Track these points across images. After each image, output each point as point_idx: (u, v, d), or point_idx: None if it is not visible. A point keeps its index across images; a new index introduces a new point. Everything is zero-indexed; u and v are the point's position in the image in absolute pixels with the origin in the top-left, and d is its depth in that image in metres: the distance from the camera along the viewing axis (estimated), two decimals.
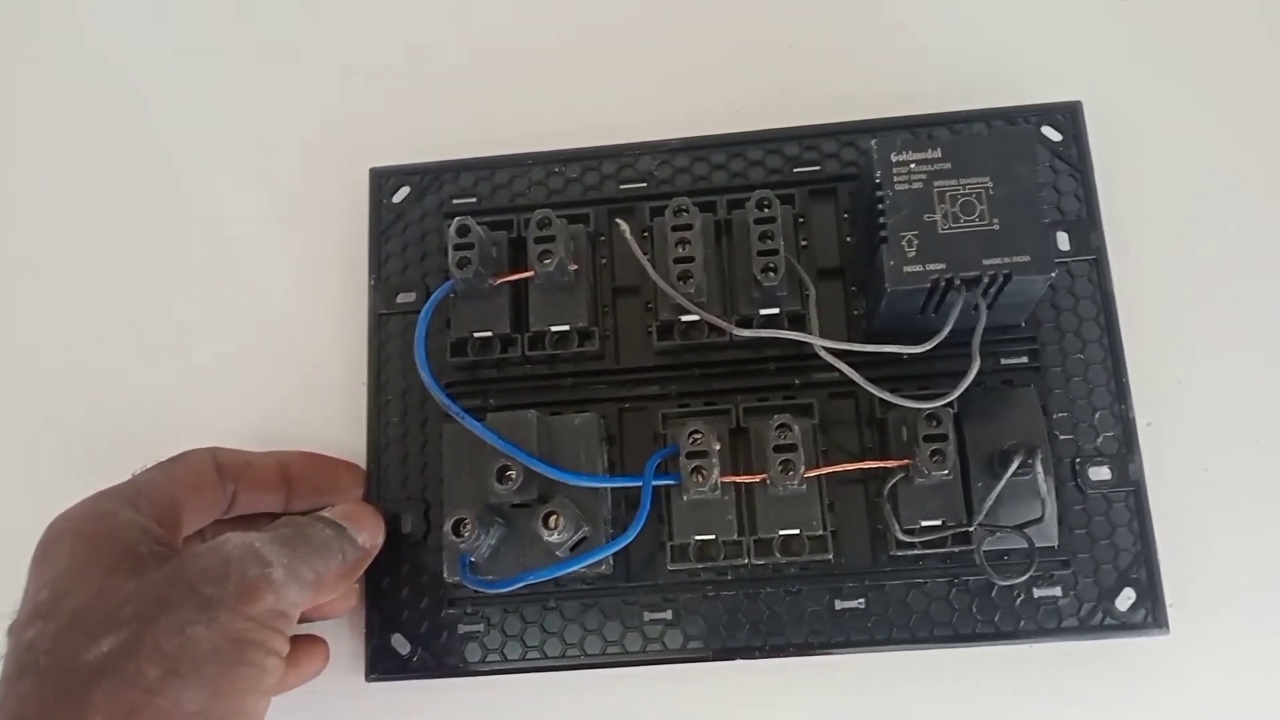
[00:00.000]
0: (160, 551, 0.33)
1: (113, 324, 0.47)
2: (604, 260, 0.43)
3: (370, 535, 0.38)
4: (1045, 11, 0.46)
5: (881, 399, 0.36)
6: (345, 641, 0.42)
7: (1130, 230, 0.43)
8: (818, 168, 0.43)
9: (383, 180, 0.45)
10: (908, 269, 0.36)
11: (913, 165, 0.37)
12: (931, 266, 0.36)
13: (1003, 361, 0.41)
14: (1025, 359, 0.41)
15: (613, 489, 0.40)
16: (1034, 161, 0.36)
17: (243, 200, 0.48)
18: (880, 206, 0.36)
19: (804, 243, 0.42)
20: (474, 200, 0.45)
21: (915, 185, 0.36)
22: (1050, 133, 0.43)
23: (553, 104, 0.47)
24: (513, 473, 0.37)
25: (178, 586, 0.31)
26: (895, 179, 0.37)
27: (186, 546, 0.35)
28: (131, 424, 0.45)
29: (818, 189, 0.43)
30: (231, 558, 0.32)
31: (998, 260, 0.35)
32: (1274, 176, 0.44)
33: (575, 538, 0.38)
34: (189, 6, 0.51)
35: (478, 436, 0.37)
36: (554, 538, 0.36)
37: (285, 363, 0.45)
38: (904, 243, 0.36)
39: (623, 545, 0.37)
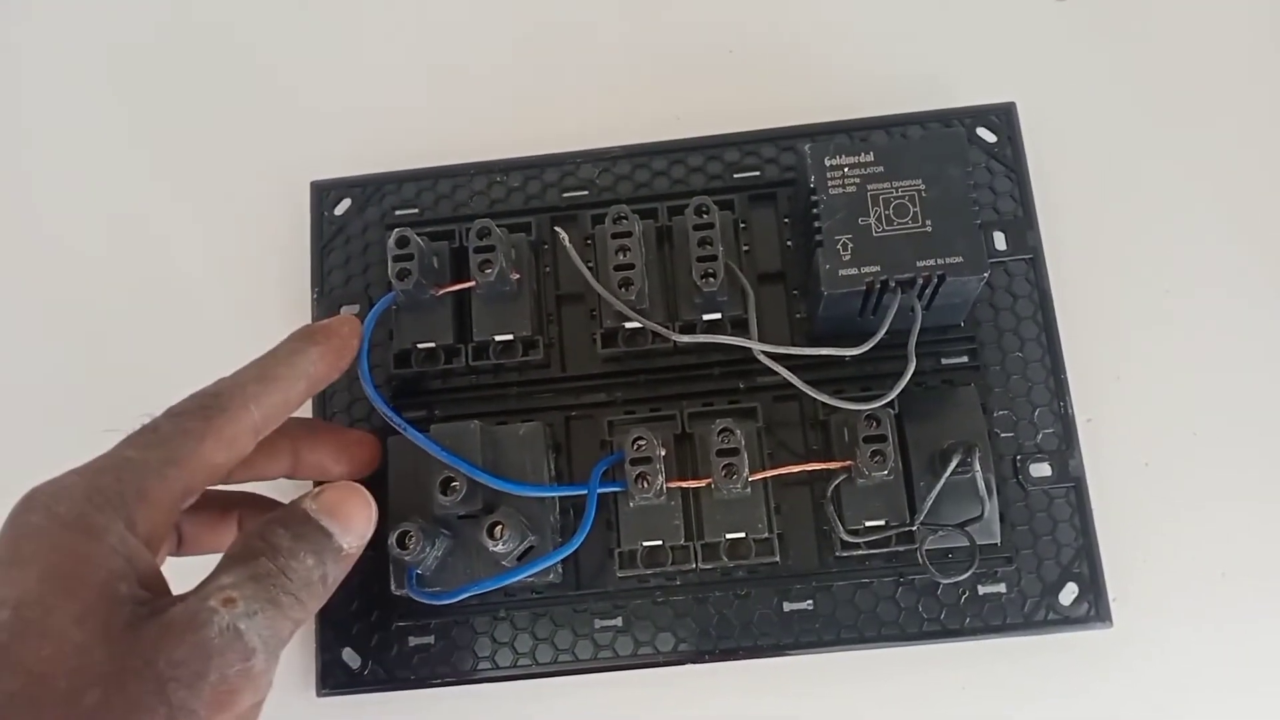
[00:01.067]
0: (137, 597, 0.28)
1: (52, 339, 0.46)
2: (547, 269, 0.43)
3: (358, 535, 0.32)
4: (979, 15, 0.47)
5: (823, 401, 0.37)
6: (295, 656, 0.41)
7: (1066, 229, 0.43)
8: (757, 173, 0.44)
9: (324, 193, 0.45)
10: (843, 272, 0.36)
11: (846, 169, 0.37)
12: (866, 269, 0.36)
13: (943, 361, 0.41)
14: (965, 358, 0.41)
15: (560, 497, 0.40)
16: (965, 164, 0.37)
17: (184, 217, 0.47)
18: (815, 211, 0.37)
19: (745, 248, 0.42)
20: (416, 211, 0.45)
21: (849, 189, 0.37)
22: (985, 134, 0.43)
23: (494, 114, 0.47)
24: (456, 484, 0.37)
25: (146, 680, 0.26)
26: (829, 183, 0.37)
27: (161, 600, 0.28)
28: (76, 444, 0.45)
29: (758, 194, 0.43)
30: (212, 649, 0.27)
31: (931, 262, 0.36)
32: (1206, 171, 0.44)
33: (521, 547, 0.38)
34: (125, 22, 0.50)
35: (422, 448, 0.37)
36: (499, 548, 0.36)
37: None
38: (839, 246, 0.36)
39: (568, 553, 0.37)
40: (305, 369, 0.35)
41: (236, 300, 0.46)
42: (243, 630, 0.28)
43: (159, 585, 0.29)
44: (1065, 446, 0.40)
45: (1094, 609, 0.39)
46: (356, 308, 0.43)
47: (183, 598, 0.28)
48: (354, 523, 0.32)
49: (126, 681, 0.26)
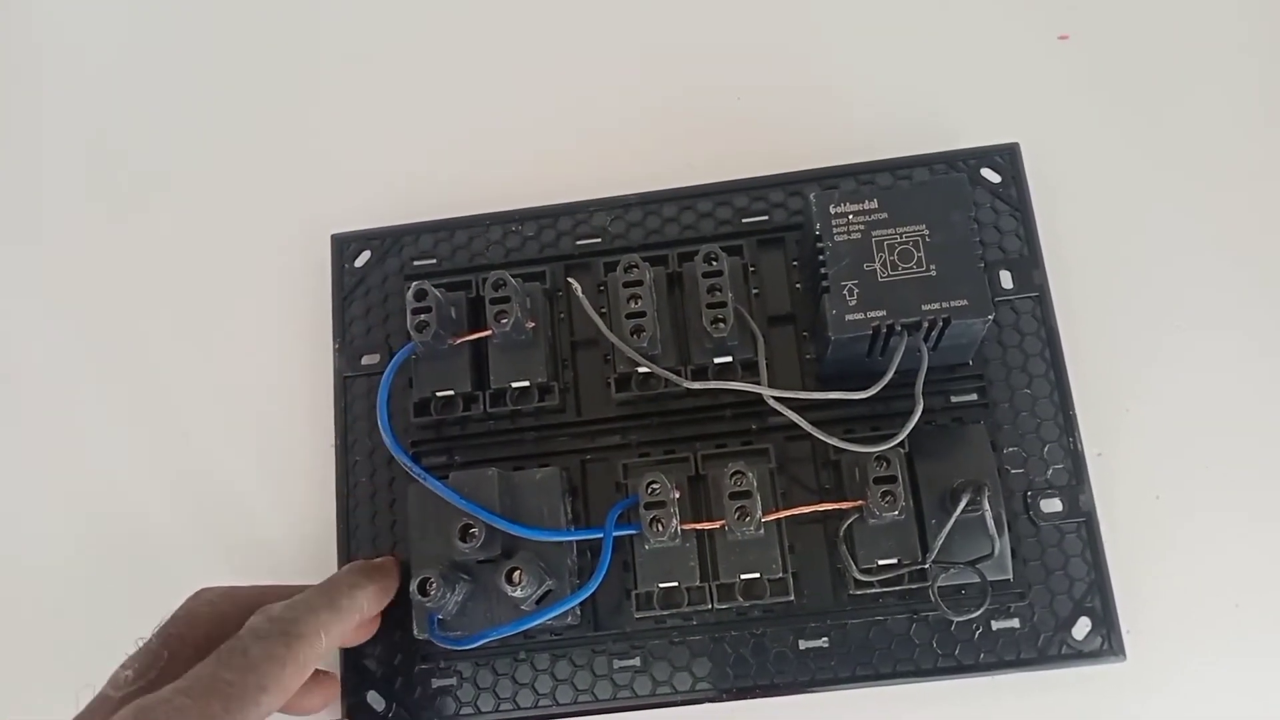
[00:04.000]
0: None
1: (80, 393, 0.48)
2: (562, 315, 0.44)
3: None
4: (982, 57, 0.48)
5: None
6: None
7: (1072, 266, 0.44)
8: (765, 218, 0.45)
9: (344, 245, 0.47)
10: (849, 317, 0.37)
11: (851, 216, 0.38)
12: (873, 314, 0.37)
13: (953, 399, 0.42)
14: (974, 396, 0.42)
15: (577, 541, 0.41)
16: (968, 208, 0.38)
17: (206, 270, 0.49)
18: (821, 257, 0.37)
19: (755, 291, 0.43)
20: (434, 261, 0.46)
21: (854, 236, 0.38)
22: (990, 174, 0.44)
23: (509, 164, 0.48)
24: (475, 531, 0.38)
25: None
26: (835, 230, 0.38)
27: None
28: (99, 498, 0.46)
29: (766, 238, 0.44)
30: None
31: (936, 306, 0.37)
32: (1210, 204, 0.45)
33: (540, 591, 0.39)
34: (144, 80, 0.52)
35: (441, 496, 0.38)
36: (518, 593, 0.37)
37: (254, 427, 0.46)
38: (845, 292, 0.37)
39: (584, 597, 0.38)
40: (361, 603, 0.38)
41: (260, 351, 0.47)
42: None
43: None
44: (1075, 481, 0.41)
45: (1107, 643, 0.39)
46: (378, 356, 0.45)
47: None
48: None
49: None
